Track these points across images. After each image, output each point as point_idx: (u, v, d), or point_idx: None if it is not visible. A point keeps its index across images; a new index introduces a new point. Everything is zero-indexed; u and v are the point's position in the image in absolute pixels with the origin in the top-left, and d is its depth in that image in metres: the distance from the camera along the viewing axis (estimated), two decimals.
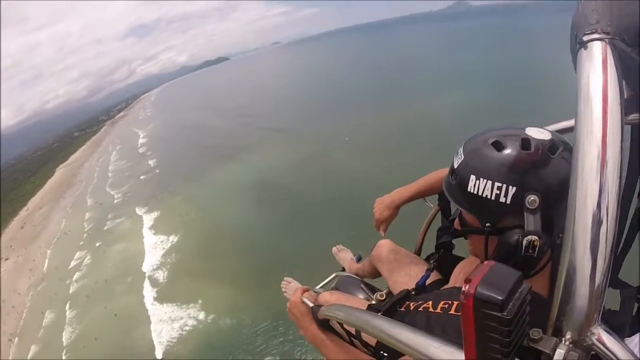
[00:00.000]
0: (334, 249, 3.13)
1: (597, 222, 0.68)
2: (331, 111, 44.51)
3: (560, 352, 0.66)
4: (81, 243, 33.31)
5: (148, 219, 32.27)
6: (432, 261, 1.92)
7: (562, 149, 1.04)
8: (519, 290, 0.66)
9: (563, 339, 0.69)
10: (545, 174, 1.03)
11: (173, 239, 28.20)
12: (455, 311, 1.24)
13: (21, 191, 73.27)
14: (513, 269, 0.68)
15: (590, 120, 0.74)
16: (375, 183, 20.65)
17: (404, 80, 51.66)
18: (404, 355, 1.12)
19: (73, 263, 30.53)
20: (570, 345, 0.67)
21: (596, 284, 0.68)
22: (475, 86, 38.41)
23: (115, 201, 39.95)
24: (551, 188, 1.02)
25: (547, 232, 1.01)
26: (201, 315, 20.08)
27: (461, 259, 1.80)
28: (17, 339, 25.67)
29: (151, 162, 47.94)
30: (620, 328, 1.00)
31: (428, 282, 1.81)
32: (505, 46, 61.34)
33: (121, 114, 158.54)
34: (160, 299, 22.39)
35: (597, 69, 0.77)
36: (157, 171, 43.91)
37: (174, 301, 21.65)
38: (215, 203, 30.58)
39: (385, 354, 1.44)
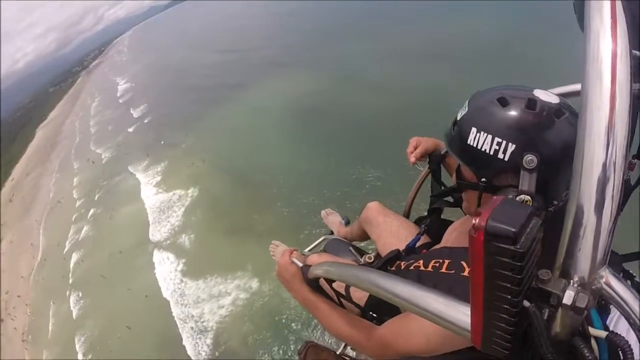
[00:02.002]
0: (323, 212, 3.34)
1: (604, 165, 0.68)
2: (330, 41, 39.22)
3: (569, 294, 0.66)
4: (77, 214, 28.71)
5: (151, 176, 27.23)
6: (423, 224, 2.03)
7: (568, 114, 1.07)
8: (530, 225, 0.66)
9: (571, 281, 0.69)
10: (547, 136, 1.06)
11: (190, 193, 23.21)
12: (446, 269, 1.31)
13: (4, 159, 66.87)
14: (524, 204, 0.73)
15: (600, 72, 0.71)
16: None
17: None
18: (393, 315, 1.35)
19: (75, 237, 25.90)
20: (579, 288, 0.68)
21: (603, 226, 0.68)
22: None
23: (105, 160, 35.35)
24: (551, 151, 1.04)
25: (541, 195, 1.03)
26: (254, 285, 16.14)
27: (450, 222, 1.81)
28: (30, 336, 21.74)
29: (138, 112, 42.68)
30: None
31: (418, 244, 1.91)
32: None
33: (95, 61, 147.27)
34: (193, 272, 18.24)
35: (605, 21, 0.75)
36: (146, 121, 38.76)
37: (213, 273, 17.54)
38: (224, 149, 25.93)
39: (375, 315, 1.57)
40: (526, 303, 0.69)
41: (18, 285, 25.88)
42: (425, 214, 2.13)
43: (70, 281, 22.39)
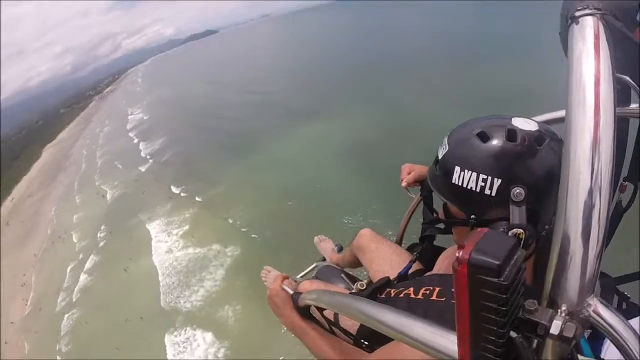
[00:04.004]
0: (316, 238, 3.44)
1: (590, 192, 0.70)
2: (351, 88, 37.22)
3: (557, 324, 0.66)
4: (82, 256, 24.20)
5: (173, 225, 22.75)
6: (415, 252, 2.06)
7: (549, 140, 1.09)
8: (515, 257, 0.66)
9: (559, 310, 0.70)
10: (531, 165, 1.07)
11: (230, 252, 18.17)
12: (437, 297, 1.32)
13: (4, 177, 64.25)
14: (507, 235, 0.73)
15: (583, 95, 0.75)
16: None
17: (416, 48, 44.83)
18: (384, 343, 1.30)
19: (77, 285, 21.50)
20: (567, 317, 0.68)
21: (590, 253, 0.70)
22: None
23: (114, 197, 31.44)
24: (537, 180, 1.06)
25: (532, 224, 1.04)
26: None
27: (442, 249, 1.91)
28: None
29: (152, 148, 39.31)
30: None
31: (410, 272, 1.94)
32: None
33: (109, 88, 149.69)
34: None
35: (588, 44, 0.79)
36: (163, 160, 34.95)
37: None
38: (255, 204, 21.51)
39: (366, 342, 1.57)
40: (513, 334, 0.68)
41: (7, 332, 22.11)
42: (418, 241, 2.14)
43: (66, 346, 18.07)
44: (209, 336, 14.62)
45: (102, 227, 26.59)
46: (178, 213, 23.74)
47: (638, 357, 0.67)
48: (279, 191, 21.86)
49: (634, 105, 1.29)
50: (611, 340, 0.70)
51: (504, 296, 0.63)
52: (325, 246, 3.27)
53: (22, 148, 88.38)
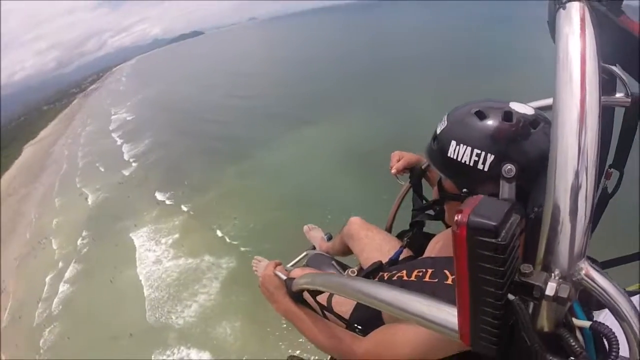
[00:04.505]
0: (305, 227, 3.46)
1: (578, 161, 0.73)
2: (341, 92, 37.03)
3: (552, 285, 0.70)
4: (62, 263, 22.57)
5: (160, 233, 20.95)
6: (405, 238, 2.12)
7: (544, 124, 1.13)
8: (510, 220, 0.71)
9: (553, 274, 0.73)
10: (524, 145, 1.12)
11: (225, 264, 16.78)
12: (429, 278, 1.34)
13: None
14: (502, 200, 0.73)
15: (570, 74, 0.79)
16: None
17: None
18: (377, 327, 1.37)
19: (58, 293, 19.84)
20: (560, 280, 0.72)
21: (579, 220, 0.73)
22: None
23: (97, 201, 29.62)
24: (529, 160, 1.10)
25: (521, 202, 1.05)
26: None
27: (432, 235, 1.86)
28: None
29: (137, 150, 38.03)
30: (588, 301, 0.98)
31: (400, 258, 1.98)
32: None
33: (94, 86, 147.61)
34: None
35: (575, 27, 0.83)
36: (148, 162, 33.73)
37: None
38: (247, 214, 20.08)
39: (359, 327, 1.62)
40: (511, 296, 0.72)
41: None
42: (408, 228, 2.17)
43: None
44: (205, 356, 13.41)
45: (84, 233, 25.22)
46: (165, 220, 22.38)
47: (628, 316, 0.71)
48: (270, 199, 21.02)
49: (619, 95, 1.36)
50: (603, 302, 0.73)
51: (502, 256, 0.66)
52: (315, 235, 3.28)
53: (3, 145, 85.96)
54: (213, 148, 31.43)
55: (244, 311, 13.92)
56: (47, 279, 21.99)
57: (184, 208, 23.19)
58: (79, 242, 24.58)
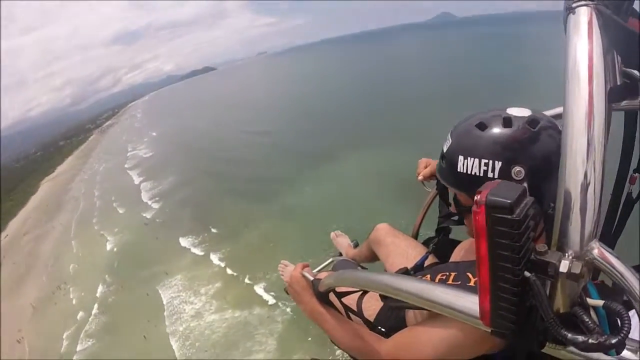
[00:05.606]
0: (332, 234, 3.35)
1: (587, 150, 0.79)
2: (354, 126, 37.26)
3: (565, 263, 0.74)
4: (83, 314, 20.08)
5: (198, 284, 18.45)
6: (431, 244, 2.09)
7: (542, 123, 1.14)
8: (525, 200, 0.76)
9: (566, 254, 0.77)
10: (527, 146, 1.12)
11: (280, 316, 14.57)
12: (452, 281, 1.33)
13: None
14: (516, 184, 0.80)
15: (578, 72, 0.84)
16: None
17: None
18: (400, 329, 1.37)
19: (77, 355, 16.91)
20: (573, 259, 0.75)
21: (589, 202, 0.77)
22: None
23: (119, 245, 27.56)
24: (535, 159, 1.11)
25: (536, 200, 1.01)
26: None
27: (458, 242, 1.87)
28: None
29: (159, 190, 37.01)
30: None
31: (425, 264, 1.94)
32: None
33: (109, 122, 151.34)
34: None
35: (582, 30, 0.88)
36: (173, 201, 32.10)
37: None
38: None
39: (383, 329, 1.60)
40: (527, 273, 0.75)
41: None
42: (434, 235, 2.16)
43: None
44: None
45: (107, 279, 23.45)
46: (198, 268, 20.33)
47: (638, 293, 0.74)
48: (304, 246, 18.15)
49: None
50: (614, 280, 0.77)
51: (517, 232, 0.71)
52: (342, 241, 3.24)
53: (19, 180, 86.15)
54: (236, 189, 30.40)
55: None
56: (66, 334, 19.66)
57: (216, 256, 21.38)
58: (102, 289, 22.77)
